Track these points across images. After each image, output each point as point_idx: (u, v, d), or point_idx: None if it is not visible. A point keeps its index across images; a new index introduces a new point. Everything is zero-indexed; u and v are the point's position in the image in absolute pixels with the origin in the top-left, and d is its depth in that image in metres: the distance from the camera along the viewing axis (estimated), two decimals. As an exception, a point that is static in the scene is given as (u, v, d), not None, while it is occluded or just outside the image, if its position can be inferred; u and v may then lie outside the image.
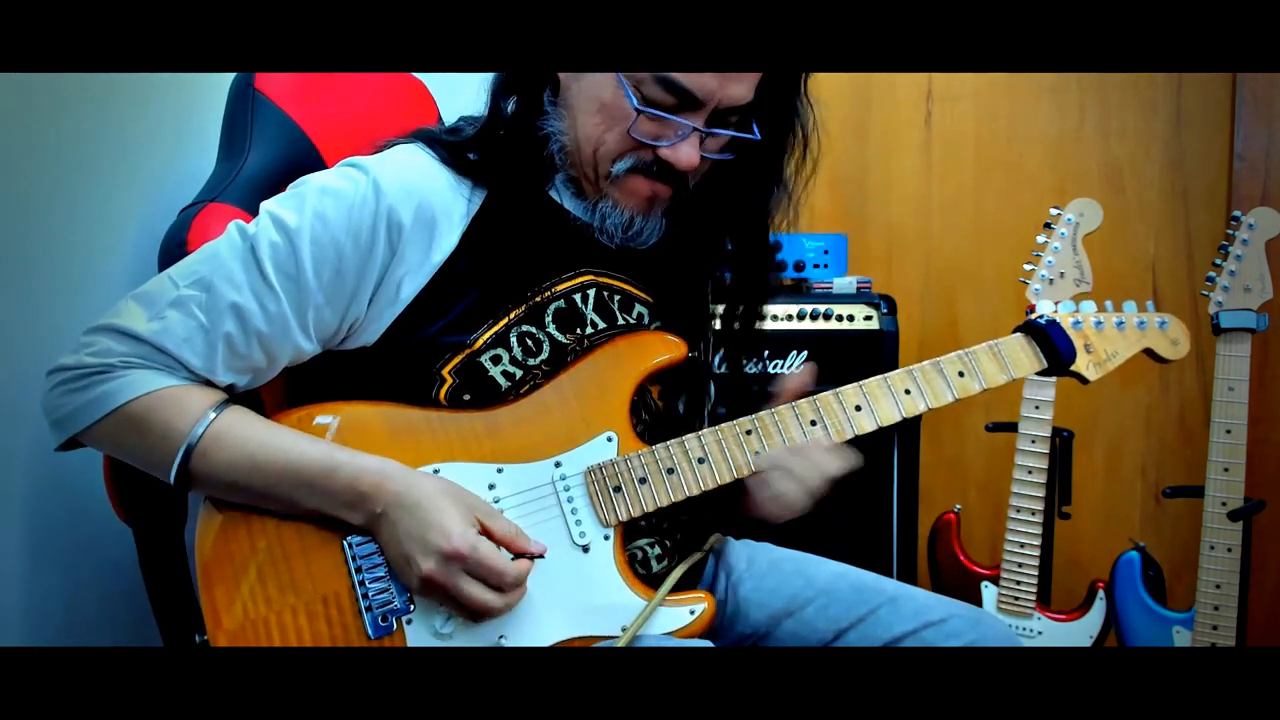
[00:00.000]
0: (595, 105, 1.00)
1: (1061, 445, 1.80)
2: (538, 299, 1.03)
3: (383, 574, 0.94)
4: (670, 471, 1.00)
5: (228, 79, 1.18)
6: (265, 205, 0.98)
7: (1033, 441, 1.77)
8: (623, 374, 1.03)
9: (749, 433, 1.02)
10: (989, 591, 1.83)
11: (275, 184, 1.10)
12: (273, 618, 0.93)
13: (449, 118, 1.14)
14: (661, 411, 1.10)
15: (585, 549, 0.99)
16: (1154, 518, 2.27)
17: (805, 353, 1.83)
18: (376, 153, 1.02)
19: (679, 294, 1.14)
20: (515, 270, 1.02)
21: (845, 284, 1.93)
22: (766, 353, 1.83)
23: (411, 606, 0.94)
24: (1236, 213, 1.67)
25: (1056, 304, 1.15)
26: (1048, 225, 1.75)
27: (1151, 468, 2.27)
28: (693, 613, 1.00)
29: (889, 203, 2.37)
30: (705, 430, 1.02)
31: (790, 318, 1.84)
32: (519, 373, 1.01)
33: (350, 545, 0.95)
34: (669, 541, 1.09)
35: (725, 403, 1.20)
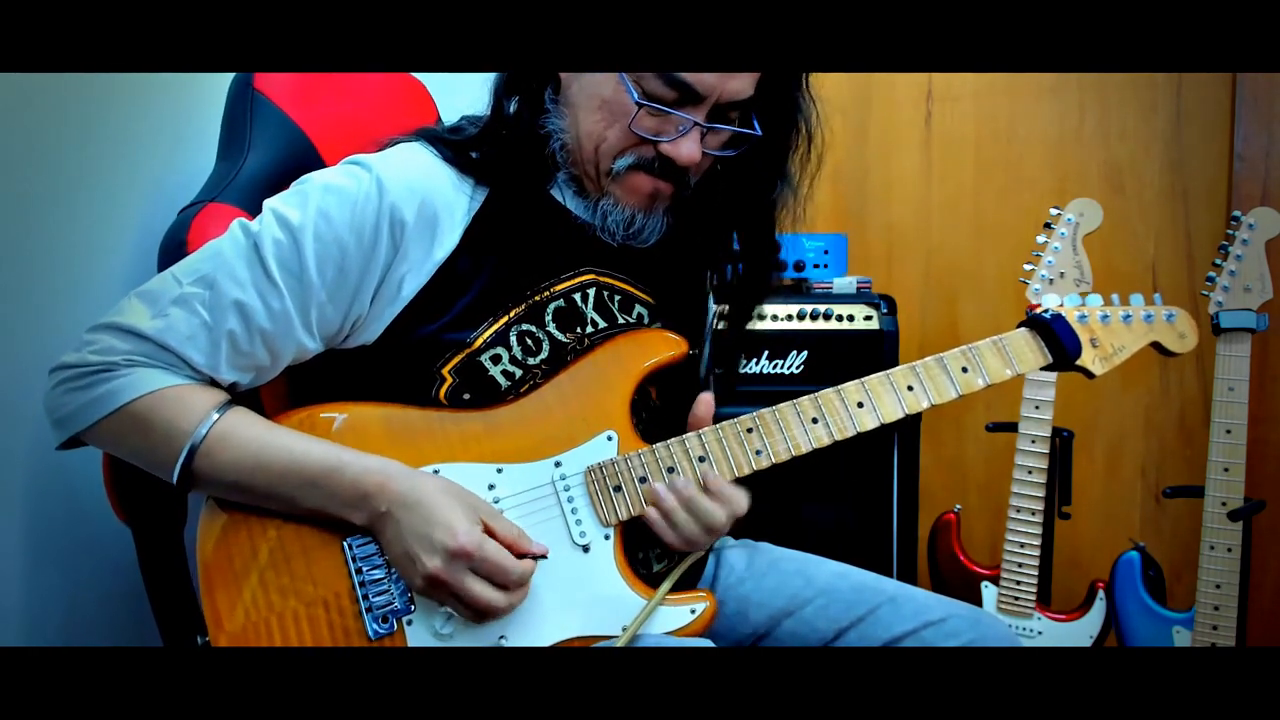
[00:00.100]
0: (596, 102, 1.00)
1: (1061, 445, 1.80)
2: (537, 298, 1.03)
3: (383, 575, 0.94)
4: (670, 470, 1.00)
5: (227, 79, 1.18)
6: (269, 203, 0.98)
7: (1033, 441, 1.77)
8: (623, 373, 1.03)
9: (750, 431, 1.02)
10: (989, 591, 1.83)
11: (275, 184, 1.10)
12: (274, 620, 0.93)
13: (449, 118, 1.14)
14: (661, 410, 1.10)
15: (585, 549, 0.99)
16: (1154, 518, 2.27)
17: (805, 352, 1.83)
18: (379, 151, 1.02)
19: (680, 293, 1.14)
20: (516, 269, 1.02)
21: (845, 284, 1.93)
22: (766, 353, 1.83)
23: (412, 607, 0.94)
24: (1236, 213, 1.67)
25: (1062, 297, 1.14)
26: (1048, 225, 1.75)
27: (1151, 468, 2.27)
28: (693, 612, 1.00)
29: (889, 203, 2.37)
30: (706, 428, 1.02)
31: (790, 318, 1.84)
32: (519, 372, 1.01)
33: (350, 546, 0.95)
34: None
35: (724, 401, 1.20)
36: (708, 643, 0.99)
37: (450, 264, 0.99)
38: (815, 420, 1.03)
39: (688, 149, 1.00)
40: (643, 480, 1.00)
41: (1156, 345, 1.15)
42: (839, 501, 1.86)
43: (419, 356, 1.00)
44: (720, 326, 1.17)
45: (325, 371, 1.02)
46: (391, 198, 0.96)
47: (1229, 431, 1.64)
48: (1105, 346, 1.12)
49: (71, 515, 1.13)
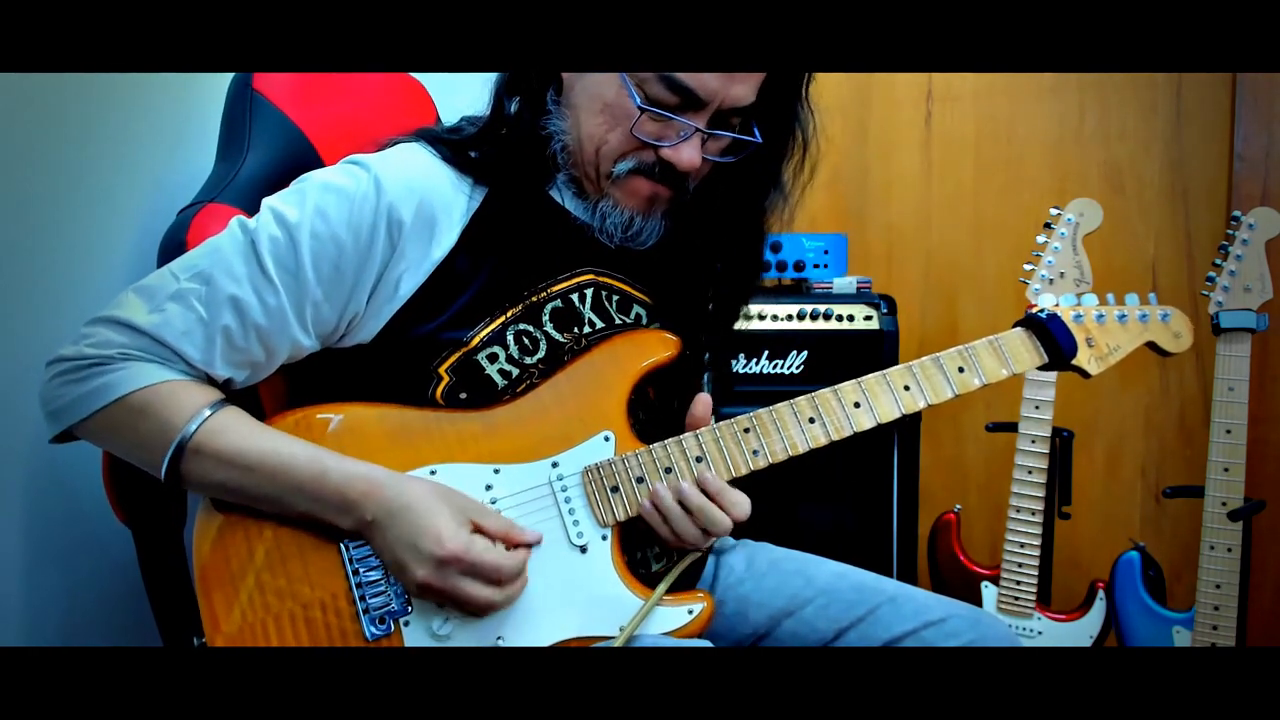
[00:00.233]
0: (598, 105, 1.00)
1: (1061, 445, 1.80)
2: (535, 298, 1.03)
3: (379, 577, 0.94)
4: (668, 470, 1.00)
5: (227, 79, 1.18)
6: (267, 201, 0.98)
7: (1033, 441, 1.77)
8: (620, 373, 1.03)
9: (747, 431, 1.02)
10: (989, 591, 1.83)
11: (274, 184, 1.10)
12: (270, 621, 0.93)
13: (448, 118, 1.14)
14: (659, 410, 1.10)
15: (583, 549, 0.99)
16: (1154, 518, 2.27)
17: (805, 352, 1.83)
18: (378, 151, 1.02)
19: (678, 294, 1.14)
20: (514, 269, 1.02)
21: (845, 284, 1.93)
22: (766, 353, 1.83)
23: (409, 609, 0.94)
24: (1236, 213, 1.67)
25: (1058, 297, 1.14)
26: (1048, 225, 1.75)
27: (1151, 468, 2.27)
28: (691, 612, 1.00)
29: (889, 203, 2.37)
30: (703, 429, 1.02)
31: (790, 318, 1.84)
32: (515, 371, 1.01)
33: (347, 548, 0.94)
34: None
35: (722, 401, 1.20)
36: (706, 643, 0.99)
37: (448, 264, 0.99)
38: (812, 420, 1.03)
39: (688, 154, 1.00)
40: (640, 481, 1.00)
41: (1152, 345, 1.15)
42: (839, 501, 1.86)
43: (416, 356, 1.00)
44: (709, 324, 1.17)
45: (323, 370, 1.02)
46: (389, 197, 0.96)
47: (1229, 431, 1.64)
48: (1101, 346, 1.12)
49: (71, 515, 1.13)
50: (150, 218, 1.19)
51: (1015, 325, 1.10)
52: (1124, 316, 1.13)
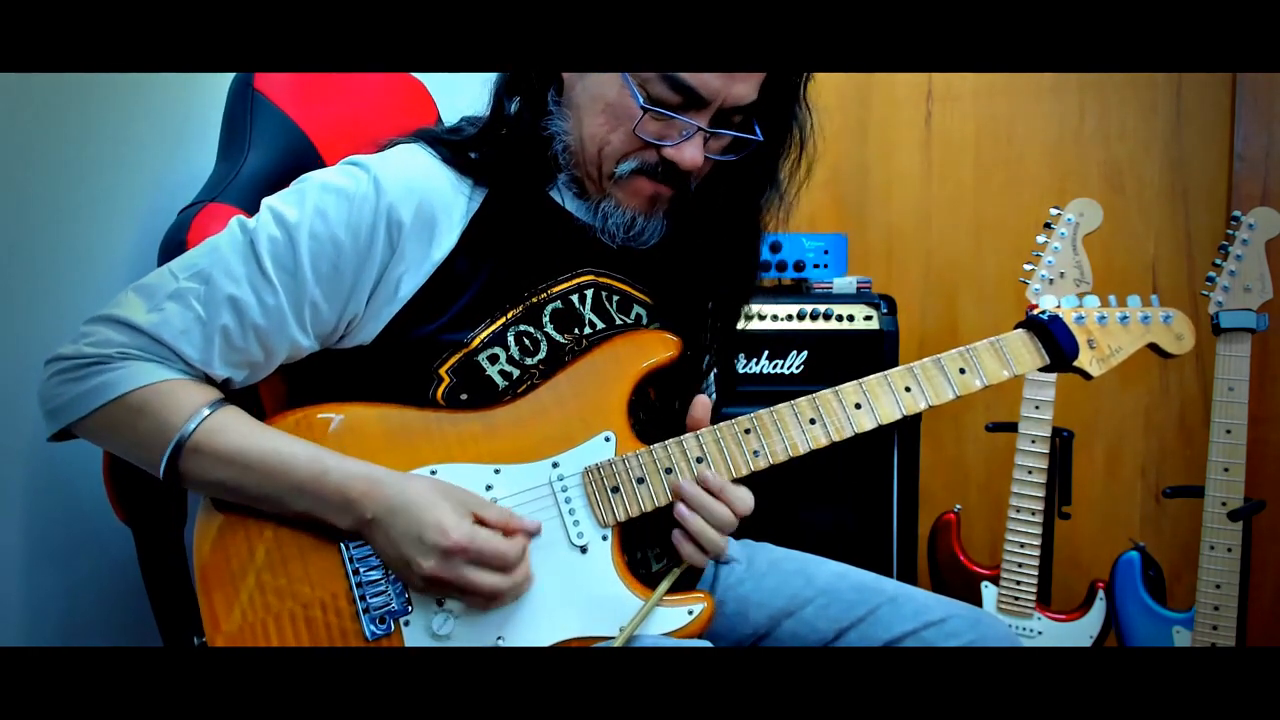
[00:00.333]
0: (600, 105, 1.00)
1: (1061, 445, 1.80)
2: (535, 299, 1.03)
3: (380, 576, 0.94)
4: (668, 471, 1.00)
5: (227, 79, 1.18)
6: (267, 201, 0.98)
7: (1033, 441, 1.76)
8: (620, 373, 1.03)
9: (748, 431, 1.02)
10: (989, 591, 1.83)
11: (275, 184, 1.10)
12: (270, 621, 0.93)
13: (449, 118, 1.14)
14: (660, 411, 1.10)
15: (583, 549, 0.99)
16: (1154, 518, 2.27)
17: (805, 353, 1.83)
18: (378, 151, 1.02)
19: (679, 294, 1.14)
20: (514, 270, 1.02)
21: (845, 284, 1.93)
22: (766, 353, 1.83)
23: (409, 608, 0.94)
24: (1236, 213, 1.67)
25: (1059, 298, 1.14)
26: (1048, 225, 1.75)
27: (1151, 468, 2.27)
28: (691, 613, 1.00)
29: (889, 203, 2.37)
30: (703, 429, 1.02)
31: (790, 318, 1.84)
32: (516, 372, 1.01)
33: (347, 547, 0.95)
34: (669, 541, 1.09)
35: (726, 401, 1.21)
36: (706, 643, 0.99)
37: (448, 265, 0.99)
38: (813, 421, 1.03)
39: (691, 154, 1.00)
40: (640, 481, 1.00)
41: (1153, 347, 1.15)
42: (839, 502, 1.86)
43: (416, 357, 1.00)
44: (709, 324, 1.17)
45: (323, 371, 1.02)
46: (389, 198, 0.96)
47: (1229, 431, 1.64)
48: (1102, 348, 1.12)
49: (71, 514, 1.13)
50: (150, 218, 1.20)
51: (1017, 326, 1.10)
52: (1125, 318, 1.13)
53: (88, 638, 1.15)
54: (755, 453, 1.01)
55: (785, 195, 1.10)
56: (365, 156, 1.00)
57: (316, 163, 1.17)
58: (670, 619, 0.99)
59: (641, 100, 0.97)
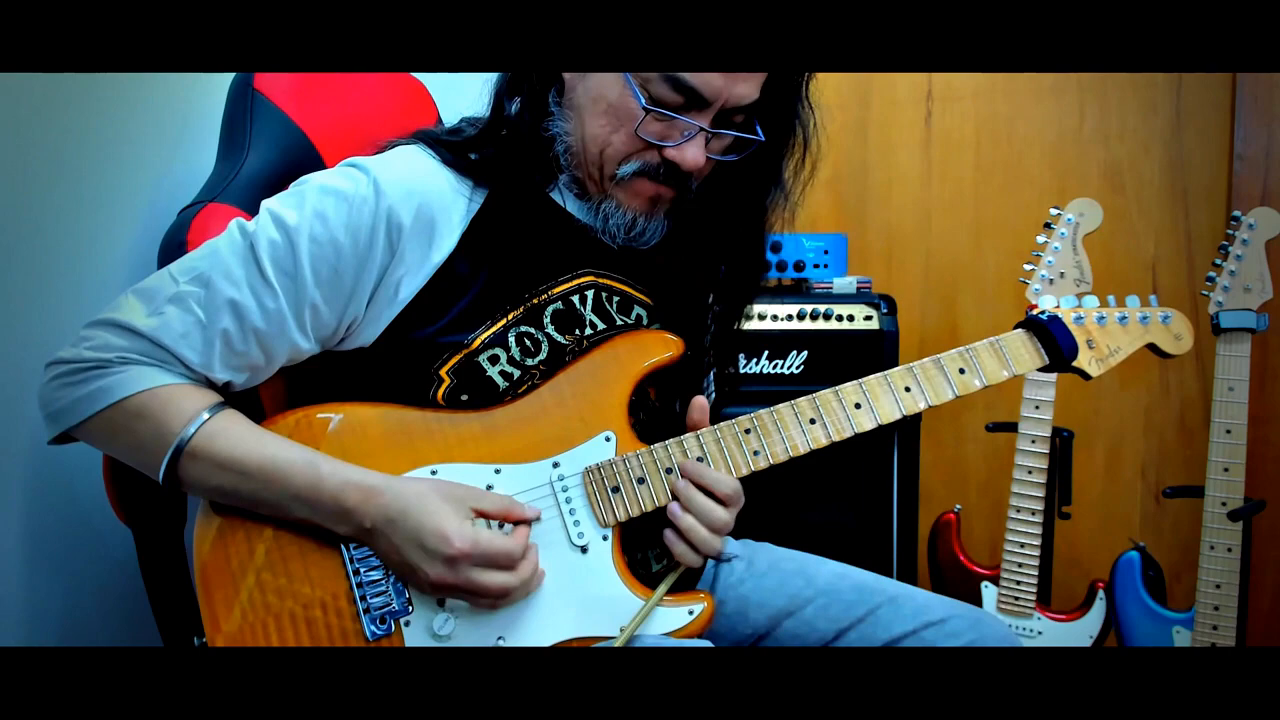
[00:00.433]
0: (602, 106, 1.00)
1: (1061, 445, 1.80)
2: (535, 300, 1.03)
3: (380, 576, 0.94)
4: (669, 471, 1.00)
5: (227, 79, 1.18)
6: (266, 203, 0.98)
7: (1033, 441, 1.77)
8: (620, 373, 1.03)
9: (748, 431, 1.02)
10: (989, 591, 1.83)
11: (275, 184, 1.10)
12: (271, 622, 0.93)
13: (449, 118, 1.14)
14: (660, 411, 1.10)
15: (584, 549, 0.99)
16: (1154, 518, 2.27)
17: (805, 353, 1.83)
18: (378, 153, 1.02)
19: (680, 294, 1.14)
20: (514, 271, 1.02)
21: (845, 284, 1.93)
22: (766, 353, 1.83)
23: (410, 608, 0.94)
24: (1236, 213, 1.67)
25: (1058, 298, 1.14)
26: (1048, 225, 1.75)
27: (1151, 468, 2.27)
28: (691, 613, 1.00)
29: (889, 203, 2.37)
30: (704, 429, 1.02)
31: (790, 318, 1.84)
32: (517, 373, 1.01)
33: (348, 547, 0.95)
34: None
35: (728, 401, 1.20)
36: (706, 643, 0.99)
37: (448, 266, 0.99)
38: (813, 421, 1.03)
39: (693, 154, 1.00)
40: (640, 481, 1.00)
41: (1152, 347, 1.15)
42: (839, 502, 1.86)
43: (417, 358, 1.00)
44: (712, 325, 1.17)
45: (324, 373, 1.02)
46: (388, 200, 0.96)
47: (1229, 431, 1.64)
48: (1101, 348, 1.12)
49: (71, 515, 1.13)
50: (150, 218, 1.20)
51: (1016, 326, 1.11)
52: (1124, 318, 1.14)
53: (88, 638, 1.15)
54: (755, 453, 1.02)
55: (791, 195, 1.10)
56: (365, 158, 1.00)
57: (316, 163, 1.17)
58: (670, 619, 0.99)
59: (643, 101, 0.97)
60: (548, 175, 1.05)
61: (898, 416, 1.04)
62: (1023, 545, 1.78)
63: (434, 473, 0.97)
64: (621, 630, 0.97)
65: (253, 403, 1.02)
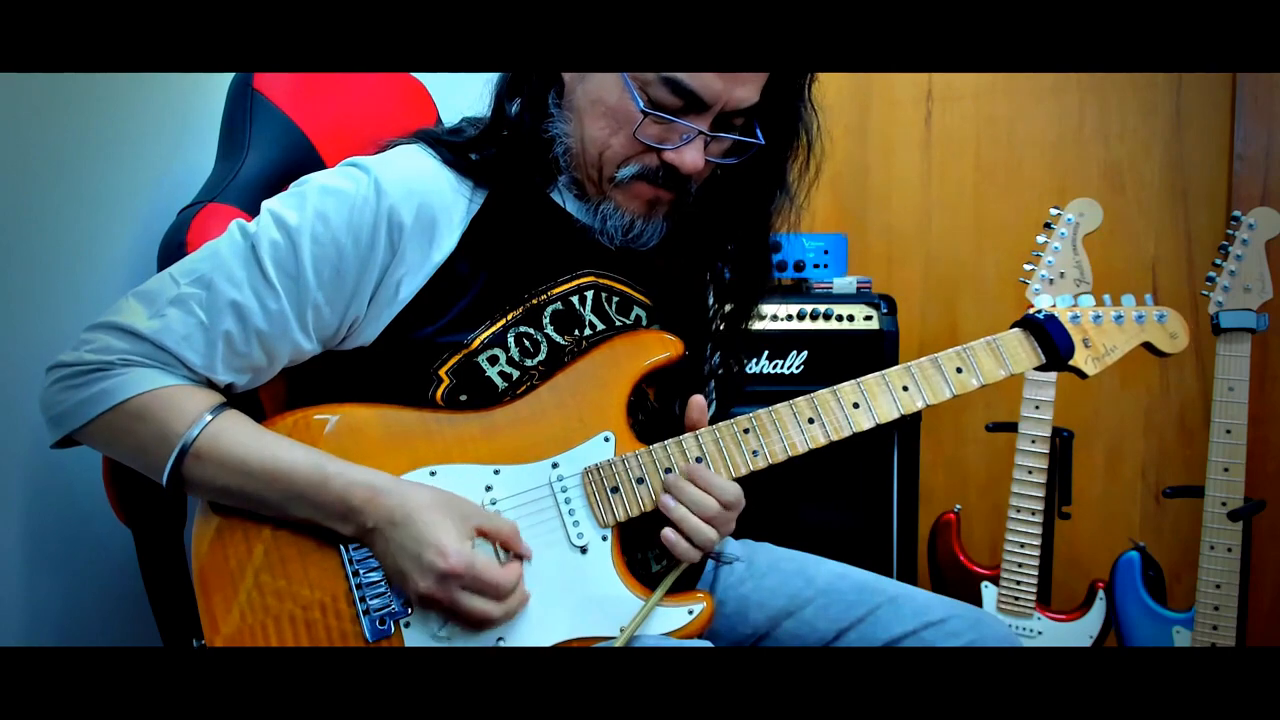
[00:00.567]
0: (601, 108, 1.00)
1: (1061, 445, 1.80)
2: (535, 301, 1.03)
3: (380, 577, 0.94)
4: (668, 471, 1.00)
5: (227, 79, 1.18)
6: (267, 204, 0.98)
7: (1033, 441, 1.76)
8: (619, 374, 1.03)
9: (746, 431, 1.02)
10: (989, 591, 1.83)
11: (274, 184, 1.10)
12: (270, 623, 0.92)
13: (449, 118, 1.14)
14: (660, 411, 1.10)
15: (583, 550, 0.99)
16: (1154, 518, 2.27)
17: (805, 352, 1.83)
18: (378, 153, 1.02)
19: (679, 295, 1.14)
20: (514, 272, 1.02)
21: (845, 284, 1.93)
22: (766, 353, 1.83)
23: (409, 610, 0.94)
24: (1236, 213, 1.67)
25: (1056, 298, 1.15)
26: (1048, 225, 1.75)
27: (1151, 468, 2.27)
28: (691, 613, 1.00)
29: (889, 203, 2.37)
30: (703, 429, 1.02)
31: (790, 318, 1.84)
32: (516, 373, 1.01)
33: (347, 549, 0.94)
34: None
35: (733, 402, 1.20)
36: (706, 643, 0.99)
37: (448, 266, 0.99)
38: (811, 421, 1.03)
39: (692, 157, 1.00)
40: (640, 481, 1.00)
41: (1148, 346, 1.16)
42: (839, 502, 1.86)
43: (416, 358, 1.00)
44: (719, 328, 1.17)
45: (323, 373, 1.02)
46: (389, 200, 0.96)
47: (1229, 431, 1.64)
48: (1097, 347, 1.12)
49: (71, 515, 1.13)
50: (150, 218, 1.20)
51: (1013, 326, 1.11)
52: (1120, 317, 1.14)
53: (88, 638, 1.15)
54: (754, 452, 1.02)
55: (795, 197, 1.09)
56: (365, 158, 1.00)
57: (316, 163, 1.17)
58: (670, 619, 0.99)
59: (642, 103, 0.97)
60: (548, 176, 1.05)
61: (895, 416, 1.04)
62: (1023, 545, 1.78)
63: (432, 473, 0.97)
64: (621, 630, 0.97)
65: (253, 403, 1.02)
